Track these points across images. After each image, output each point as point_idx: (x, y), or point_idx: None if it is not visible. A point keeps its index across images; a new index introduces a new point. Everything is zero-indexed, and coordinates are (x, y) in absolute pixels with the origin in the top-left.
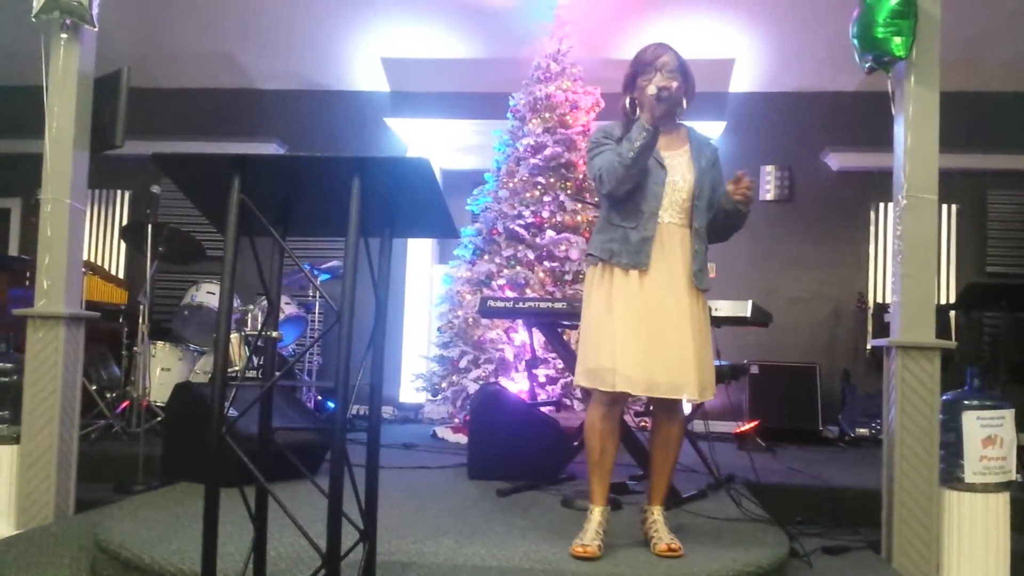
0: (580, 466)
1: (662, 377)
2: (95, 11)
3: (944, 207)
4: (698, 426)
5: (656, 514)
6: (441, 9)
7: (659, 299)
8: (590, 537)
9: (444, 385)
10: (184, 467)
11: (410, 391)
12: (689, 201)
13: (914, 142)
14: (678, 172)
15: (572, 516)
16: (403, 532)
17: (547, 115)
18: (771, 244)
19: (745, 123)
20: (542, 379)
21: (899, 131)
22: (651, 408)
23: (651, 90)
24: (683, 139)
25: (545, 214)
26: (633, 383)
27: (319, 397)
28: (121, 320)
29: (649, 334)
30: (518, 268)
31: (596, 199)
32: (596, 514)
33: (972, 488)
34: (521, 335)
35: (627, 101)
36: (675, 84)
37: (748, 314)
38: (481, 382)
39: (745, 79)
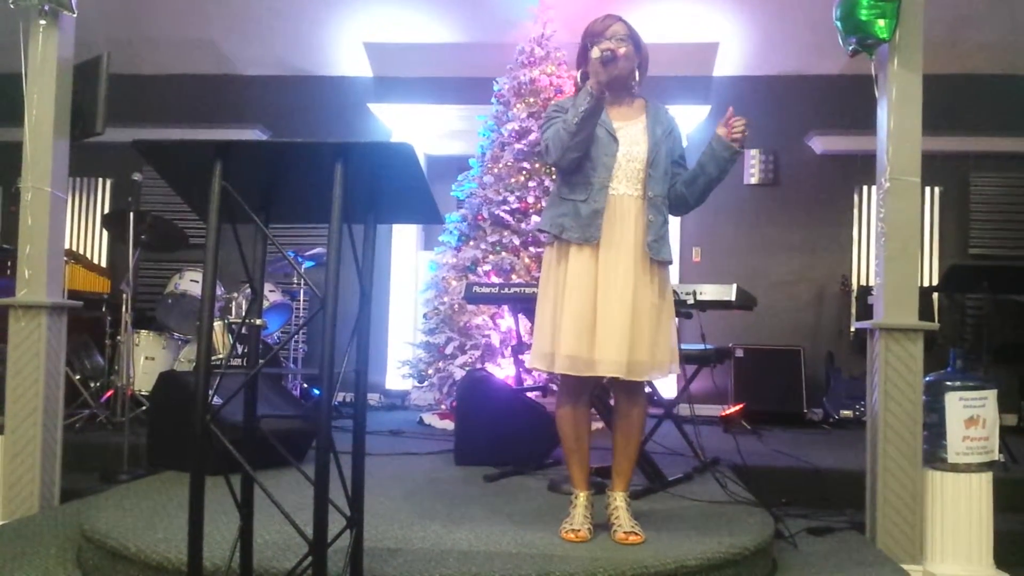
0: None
1: (605, 355)
2: None
3: (927, 189)
4: (683, 409)
5: (619, 500)
6: None
7: (609, 273)
8: (579, 521)
9: (430, 371)
10: (169, 456)
11: (396, 378)
12: (644, 171)
13: (897, 125)
14: (632, 142)
15: (559, 501)
16: (390, 518)
17: (532, 100)
18: (755, 228)
19: (729, 107)
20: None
21: (882, 114)
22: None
23: (595, 53)
24: (638, 110)
25: (530, 199)
26: (575, 363)
27: (304, 384)
28: (104, 309)
29: (596, 311)
30: (503, 254)
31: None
32: (581, 499)
33: (955, 468)
34: (507, 321)
35: (579, 75)
36: (622, 49)
37: (733, 298)
38: (467, 368)
39: (729, 63)
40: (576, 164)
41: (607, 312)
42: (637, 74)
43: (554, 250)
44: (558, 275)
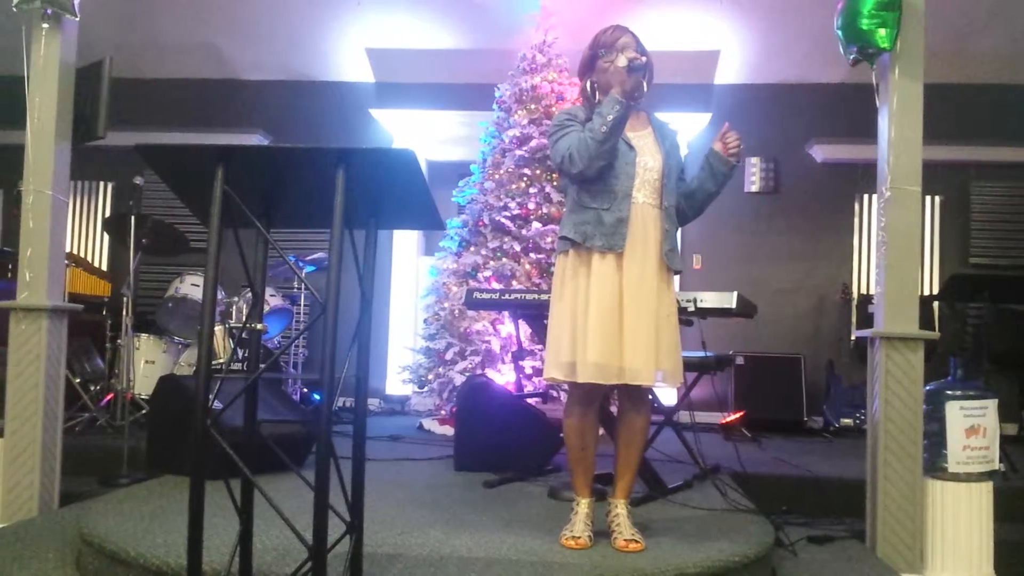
0: (566, 458)
1: (631, 363)
2: (77, 0)
3: (928, 198)
4: (684, 417)
5: (620, 507)
6: None
7: (633, 282)
8: (580, 528)
9: (430, 377)
10: (169, 460)
11: (396, 383)
12: (660, 180)
13: (898, 134)
14: (647, 152)
15: (559, 507)
16: (390, 524)
17: (533, 106)
18: (756, 236)
19: (730, 115)
20: (528, 371)
21: (883, 123)
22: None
23: (621, 61)
24: (644, 122)
25: (531, 206)
26: (602, 371)
27: (305, 389)
28: (104, 312)
29: (621, 320)
30: (504, 260)
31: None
32: (583, 506)
33: (956, 477)
34: (507, 327)
35: (587, 84)
36: (643, 58)
37: (733, 305)
38: (467, 374)
39: (730, 71)
40: (599, 172)
41: (635, 321)
42: (645, 86)
43: (570, 259)
44: (577, 284)
